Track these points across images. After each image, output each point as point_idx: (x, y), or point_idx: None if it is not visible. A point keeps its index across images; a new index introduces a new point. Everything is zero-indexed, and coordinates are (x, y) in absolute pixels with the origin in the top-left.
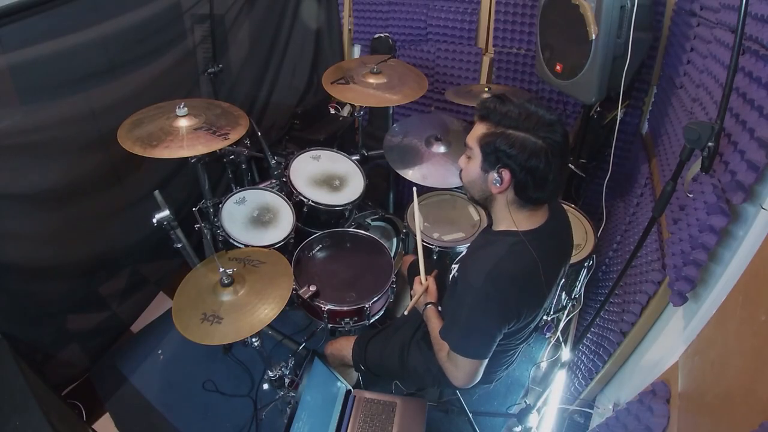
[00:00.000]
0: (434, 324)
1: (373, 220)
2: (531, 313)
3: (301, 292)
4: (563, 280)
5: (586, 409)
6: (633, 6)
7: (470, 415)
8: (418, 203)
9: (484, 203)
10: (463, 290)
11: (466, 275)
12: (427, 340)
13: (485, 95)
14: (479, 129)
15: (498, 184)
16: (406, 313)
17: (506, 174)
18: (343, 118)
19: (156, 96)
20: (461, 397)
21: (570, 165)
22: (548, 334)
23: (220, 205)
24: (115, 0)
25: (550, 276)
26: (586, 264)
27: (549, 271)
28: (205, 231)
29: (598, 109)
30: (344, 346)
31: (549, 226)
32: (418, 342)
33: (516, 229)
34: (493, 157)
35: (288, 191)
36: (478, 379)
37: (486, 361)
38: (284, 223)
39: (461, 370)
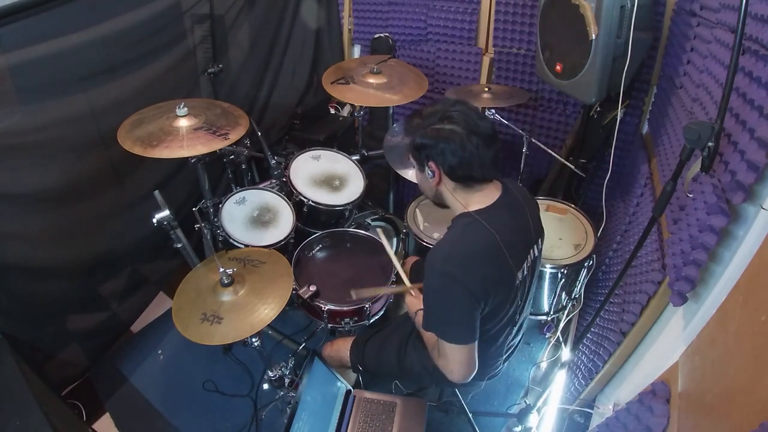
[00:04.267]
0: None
1: (373, 220)
2: (501, 290)
3: (301, 292)
4: (563, 281)
5: (586, 409)
6: (633, 6)
7: (470, 415)
8: (419, 204)
9: (441, 202)
10: (428, 276)
11: (429, 262)
12: (422, 339)
13: (485, 95)
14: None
15: (432, 177)
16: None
17: (432, 165)
18: (343, 118)
19: (156, 96)
20: (461, 397)
21: (570, 165)
22: (548, 334)
23: (220, 205)
24: (115, 0)
25: (514, 250)
26: (586, 264)
27: (511, 244)
28: (205, 231)
29: (598, 109)
30: (342, 348)
31: (502, 202)
32: (414, 342)
33: (467, 210)
34: (417, 155)
35: (288, 191)
36: (475, 367)
37: (475, 344)
38: (284, 223)
39: (453, 360)
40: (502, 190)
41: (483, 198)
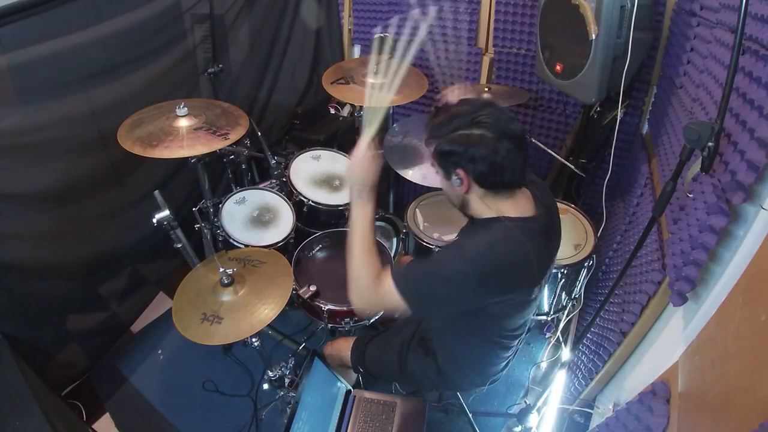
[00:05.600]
0: (366, 223)
1: None
2: (513, 306)
3: (301, 292)
4: (563, 281)
5: (586, 409)
6: (633, 6)
7: (470, 415)
8: (419, 204)
9: (464, 209)
10: (450, 261)
11: (459, 251)
12: (424, 345)
13: (485, 95)
14: (430, 147)
15: (460, 185)
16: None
17: (461, 172)
18: (343, 118)
19: (156, 96)
20: (461, 397)
21: (570, 165)
22: (548, 334)
23: (220, 205)
24: (115, 0)
25: (542, 269)
26: (586, 264)
27: (540, 263)
28: (205, 231)
29: (598, 109)
30: (343, 348)
31: (538, 219)
32: (415, 348)
33: (502, 215)
34: (444, 163)
35: (288, 191)
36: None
37: (403, 304)
38: (284, 223)
39: (385, 301)
40: (534, 202)
41: (514, 206)
